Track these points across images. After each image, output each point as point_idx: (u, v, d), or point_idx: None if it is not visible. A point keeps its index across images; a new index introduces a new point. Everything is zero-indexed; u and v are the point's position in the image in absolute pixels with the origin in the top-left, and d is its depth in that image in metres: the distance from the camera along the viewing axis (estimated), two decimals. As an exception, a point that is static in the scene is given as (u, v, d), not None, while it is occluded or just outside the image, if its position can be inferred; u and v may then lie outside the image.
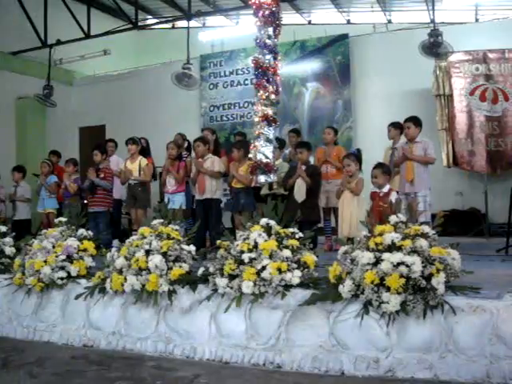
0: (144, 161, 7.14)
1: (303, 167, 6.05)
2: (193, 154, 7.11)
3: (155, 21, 12.88)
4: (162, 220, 4.44)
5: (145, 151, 7.55)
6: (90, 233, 5.06)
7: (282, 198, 4.89)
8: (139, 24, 11.40)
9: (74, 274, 4.60)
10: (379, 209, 4.77)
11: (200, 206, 6.50)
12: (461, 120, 8.64)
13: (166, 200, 6.29)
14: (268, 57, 5.84)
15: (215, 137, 7.50)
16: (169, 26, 13.04)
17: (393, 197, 5.04)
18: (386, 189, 5.21)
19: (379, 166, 5.42)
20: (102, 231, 6.79)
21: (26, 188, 8.61)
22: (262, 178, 5.84)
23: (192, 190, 7.04)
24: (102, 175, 7.08)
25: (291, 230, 3.95)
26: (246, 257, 3.73)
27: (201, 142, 6.53)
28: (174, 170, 6.71)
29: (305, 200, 5.89)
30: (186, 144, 7.93)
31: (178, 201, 6.48)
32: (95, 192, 7.06)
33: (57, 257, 4.60)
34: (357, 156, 5.91)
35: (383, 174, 5.25)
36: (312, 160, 7.63)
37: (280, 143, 7.21)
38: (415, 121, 6.05)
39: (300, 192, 5.93)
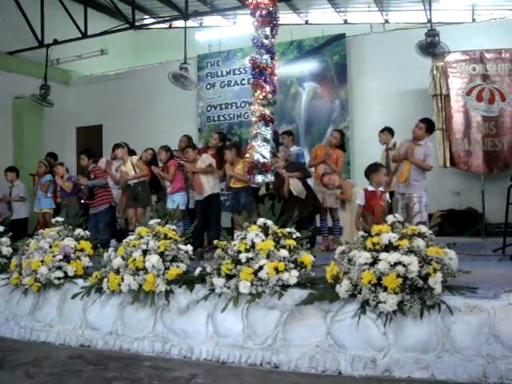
0: (134, 158, 7.22)
1: (284, 171, 6.11)
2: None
3: (152, 21, 12.83)
4: (159, 220, 4.44)
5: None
6: (87, 233, 5.07)
7: (279, 198, 4.89)
8: (136, 24, 11.34)
9: (70, 273, 4.60)
10: (381, 208, 4.78)
11: (199, 206, 6.53)
12: (458, 120, 8.64)
13: (168, 200, 6.45)
14: (265, 57, 5.84)
15: (222, 143, 7.46)
16: (166, 25, 13.01)
17: (388, 196, 5.13)
18: (382, 188, 5.23)
19: (382, 165, 5.50)
20: (100, 231, 6.82)
21: (21, 187, 8.61)
22: (259, 178, 5.84)
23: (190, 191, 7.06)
24: (92, 176, 7.21)
25: (288, 229, 3.95)
26: (243, 257, 3.73)
27: (189, 149, 6.85)
28: (164, 172, 6.86)
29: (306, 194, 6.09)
30: None
31: (177, 200, 6.50)
32: (94, 194, 7.15)
33: (54, 257, 4.59)
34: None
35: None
36: (308, 159, 7.66)
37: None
38: (428, 124, 6.02)
39: (299, 191, 6.01)
